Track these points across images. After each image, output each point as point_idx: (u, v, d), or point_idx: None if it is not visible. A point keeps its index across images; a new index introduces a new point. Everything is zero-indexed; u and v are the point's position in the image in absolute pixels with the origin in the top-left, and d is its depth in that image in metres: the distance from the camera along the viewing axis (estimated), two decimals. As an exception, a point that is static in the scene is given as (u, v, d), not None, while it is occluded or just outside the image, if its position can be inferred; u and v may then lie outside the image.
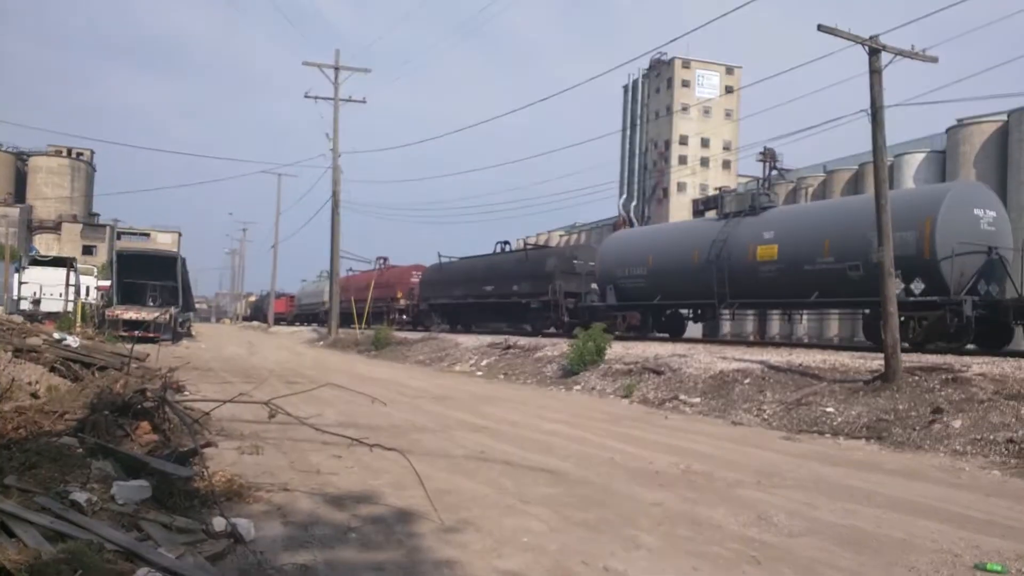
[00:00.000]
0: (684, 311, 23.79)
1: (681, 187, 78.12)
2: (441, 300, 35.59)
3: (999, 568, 4.73)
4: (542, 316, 27.81)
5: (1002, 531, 5.64)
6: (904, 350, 14.50)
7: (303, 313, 66.75)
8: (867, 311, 17.22)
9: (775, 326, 38.90)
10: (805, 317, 26.76)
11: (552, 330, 26.72)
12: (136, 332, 23.33)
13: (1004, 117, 36.35)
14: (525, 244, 35.44)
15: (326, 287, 51.65)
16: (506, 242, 35.69)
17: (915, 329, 15.03)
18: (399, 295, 41.79)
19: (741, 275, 19.08)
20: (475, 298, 32.47)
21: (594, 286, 25.22)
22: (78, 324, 24.04)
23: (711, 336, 23.59)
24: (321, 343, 37.30)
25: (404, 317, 41.18)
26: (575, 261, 27.73)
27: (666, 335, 23.32)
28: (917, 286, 15.13)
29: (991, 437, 9.00)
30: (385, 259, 48.89)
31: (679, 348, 18.00)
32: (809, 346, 19.47)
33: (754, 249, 18.84)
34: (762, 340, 30.98)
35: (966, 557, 4.96)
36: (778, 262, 18.18)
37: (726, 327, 31.32)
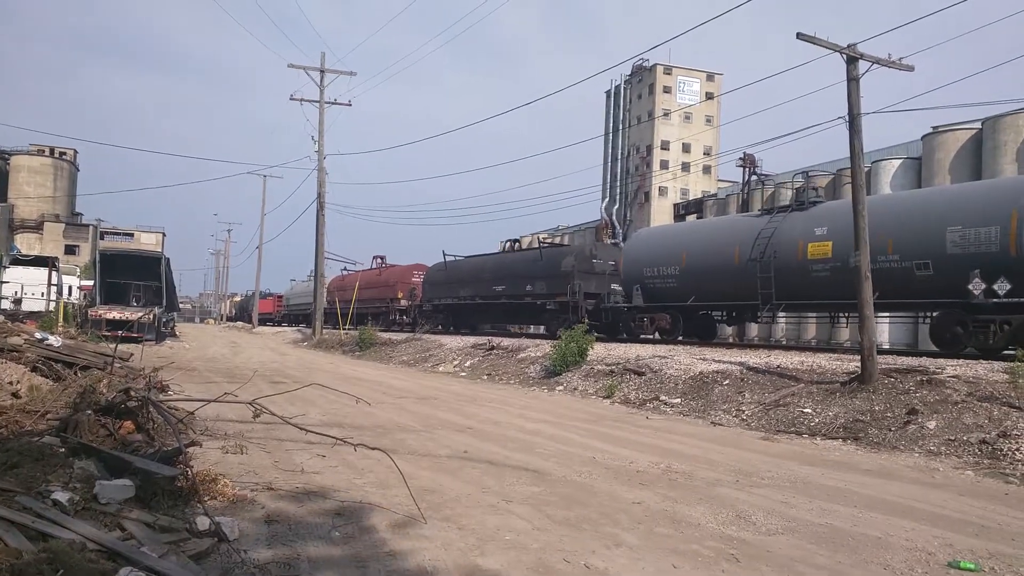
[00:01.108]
0: (718, 314, 22.24)
1: (663, 191, 78.58)
2: (446, 300, 33.92)
3: (972, 566, 4.83)
4: (558, 318, 26.23)
5: (975, 530, 5.76)
6: (977, 357, 13.79)
7: (292, 313, 64.78)
8: (935, 313, 15.99)
9: (832, 330, 35.70)
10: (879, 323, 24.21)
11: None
12: (119, 332, 23.18)
13: (978, 125, 36.98)
14: (540, 242, 32.84)
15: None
16: (516, 240, 34.40)
17: (997, 334, 13.94)
18: (400, 295, 40.19)
19: (789, 275, 17.55)
20: (484, 299, 30.89)
21: (615, 287, 24.15)
22: (60, 324, 23.87)
23: (669, 337, 21.78)
24: (305, 344, 37.19)
25: (405, 318, 39.52)
26: (594, 260, 26.19)
27: (695, 339, 21.88)
28: (1002, 286, 13.84)
29: (965, 438, 9.17)
30: (382, 258, 47.08)
31: (660, 350, 18.13)
32: (787, 348, 19.39)
33: (804, 247, 17.34)
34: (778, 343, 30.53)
35: (940, 555, 5.07)
36: (832, 260, 16.67)
37: (727, 329, 30.04)
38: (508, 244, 34.34)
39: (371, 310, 43.22)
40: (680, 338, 21.72)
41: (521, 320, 30.19)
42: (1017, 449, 8.54)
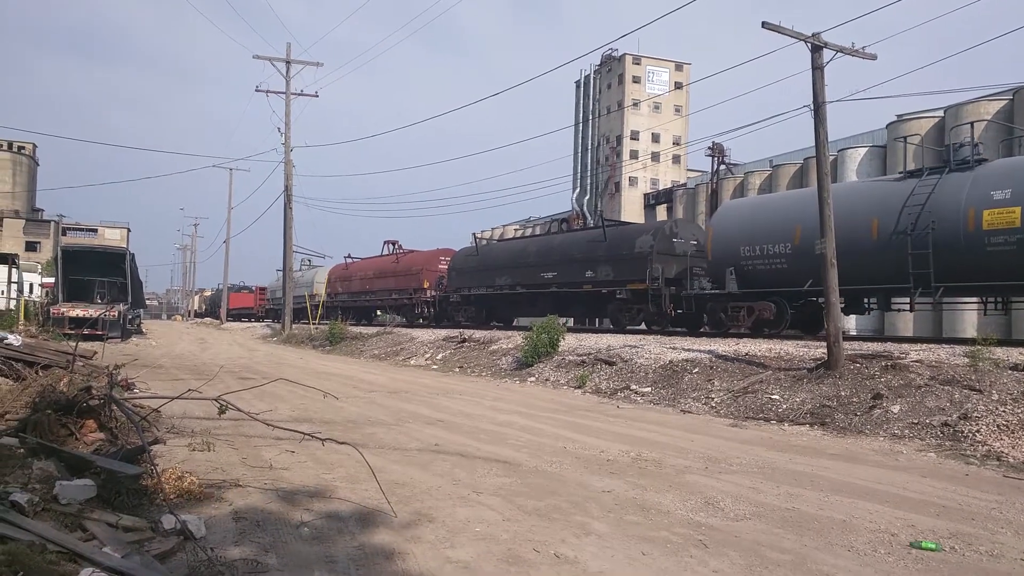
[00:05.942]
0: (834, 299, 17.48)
1: (632, 181, 79.01)
2: (479, 290, 29.60)
3: (933, 546, 4.93)
4: (631, 309, 22.63)
5: (936, 510, 5.88)
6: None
7: (277, 308, 54.55)
8: None
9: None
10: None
11: (643, 327, 22.59)
12: (83, 329, 22.72)
13: (941, 113, 37.63)
14: (603, 219, 27.64)
15: (315, 277, 48.36)
16: (564, 220, 31.15)
17: None
18: (426, 284, 35.01)
19: (956, 251, 14.23)
20: (527, 287, 26.77)
21: (696, 270, 20.79)
22: (21, 322, 23.40)
23: (772, 331, 18.04)
24: (275, 339, 36.84)
25: (432, 311, 34.67)
26: (675, 240, 22.10)
27: (799, 332, 18.30)
28: None
29: (927, 421, 9.35)
30: (395, 243, 41.24)
31: (630, 339, 18.25)
32: (755, 336, 19.35)
33: (977, 215, 14.05)
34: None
35: (902, 536, 5.16)
36: (1022, 231, 13.58)
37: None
38: (556, 223, 29.93)
39: (387, 302, 38.85)
40: (784, 332, 18.02)
41: (577, 312, 25.63)
42: (977, 431, 8.73)
